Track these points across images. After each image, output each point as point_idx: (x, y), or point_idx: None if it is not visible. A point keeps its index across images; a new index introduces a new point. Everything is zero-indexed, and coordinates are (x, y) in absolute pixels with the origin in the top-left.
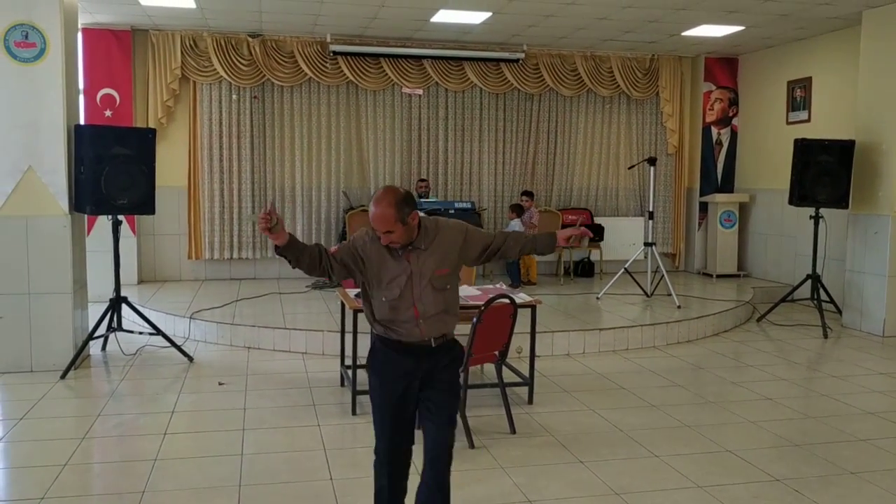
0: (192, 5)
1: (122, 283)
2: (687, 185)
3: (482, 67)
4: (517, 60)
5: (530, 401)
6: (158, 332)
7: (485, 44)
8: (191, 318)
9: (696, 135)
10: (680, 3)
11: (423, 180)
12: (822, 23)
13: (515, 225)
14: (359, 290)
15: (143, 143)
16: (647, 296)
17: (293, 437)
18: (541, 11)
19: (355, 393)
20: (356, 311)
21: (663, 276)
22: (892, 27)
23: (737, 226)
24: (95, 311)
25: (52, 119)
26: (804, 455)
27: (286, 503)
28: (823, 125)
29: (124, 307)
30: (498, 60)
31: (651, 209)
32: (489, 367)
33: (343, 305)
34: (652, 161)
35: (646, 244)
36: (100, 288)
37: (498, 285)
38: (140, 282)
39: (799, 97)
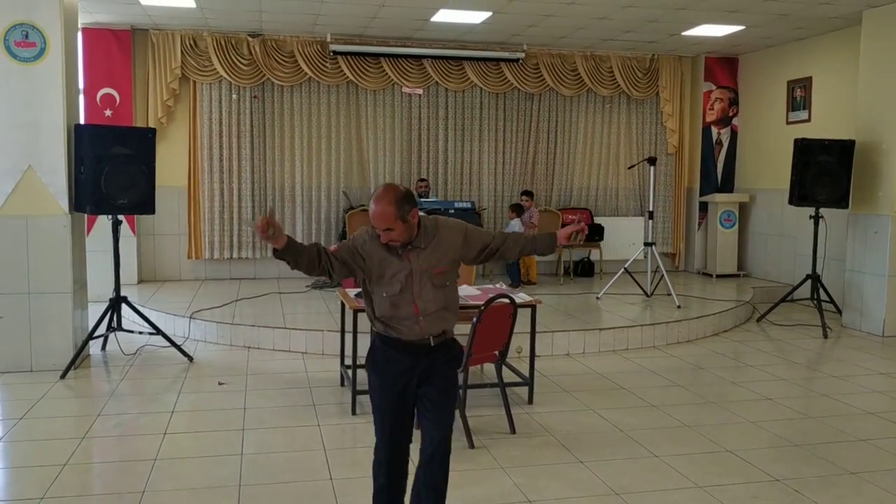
0: (193, 5)
1: (121, 282)
2: (687, 184)
3: (482, 67)
4: (517, 60)
5: (530, 401)
6: (158, 331)
7: (485, 43)
8: (191, 317)
9: (696, 135)
10: (680, 3)
11: (422, 180)
12: (823, 22)
13: (515, 225)
14: (359, 289)
15: (143, 142)
16: (647, 296)
17: (293, 436)
18: (541, 11)
19: (355, 393)
20: (356, 311)
21: (663, 275)
22: (892, 27)
23: (737, 226)
24: (95, 310)
25: (52, 119)
26: (804, 455)
27: (286, 503)
28: (823, 125)
29: (124, 307)
30: (498, 60)
31: (651, 209)
32: (489, 367)
33: (343, 305)
34: (652, 161)
35: (646, 244)
36: (100, 288)
37: (498, 285)
38: (140, 281)
39: (799, 97)
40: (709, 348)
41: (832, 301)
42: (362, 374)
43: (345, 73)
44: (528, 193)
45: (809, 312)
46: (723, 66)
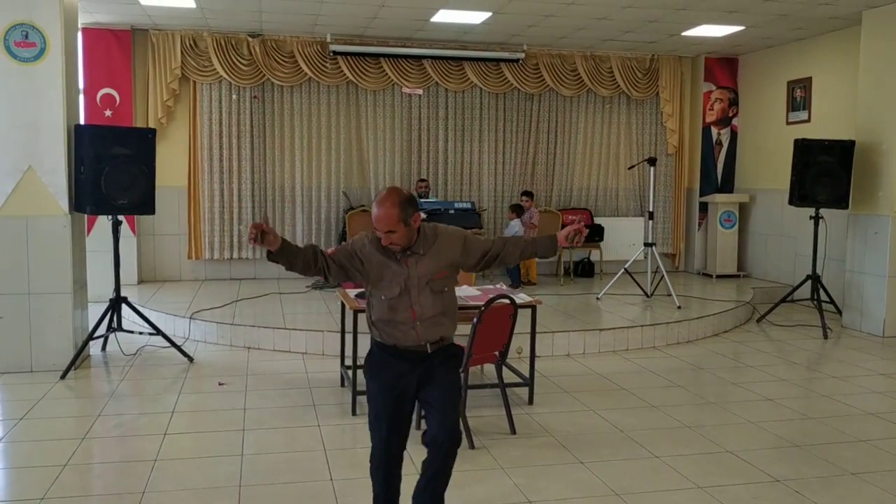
0: (192, 5)
1: (122, 283)
2: (687, 185)
3: (482, 67)
4: (517, 60)
5: (530, 401)
6: (158, 332)
7: (485, 44)
8: (191, 318)
9: (696, 135)
10: (680, 3)
11: (423, 180)
12: (822, 23)
13: (515, 225)
14: (359, 290)
15: (143, 142)
16: (647, 296)
17: (293, 437)
18: (541, 11)
19: (355, 393)
20: (356, 312)
21: (663, 276)
22: (892, 27)
23: (737, 226)
24: (95, 311)
25: (52, 119)
26: (804, 456)
27: (286, 503)
28: (823, 125)
29: (124, 307)
30: (498, 60)
31: (651, 209)
32: (489, 368)
33: (343, 306)
34: (652, 161)
35: (646, 244)
36: (100, 288)
37: (498, 285)
38: (140, 282)
39: (799, 97)
40: (709, 349)
41: (832, 301)
42: (362, 375)
43: (345, 74)
44: (528, 194)
45: (809, 313)
46: (723, 66)
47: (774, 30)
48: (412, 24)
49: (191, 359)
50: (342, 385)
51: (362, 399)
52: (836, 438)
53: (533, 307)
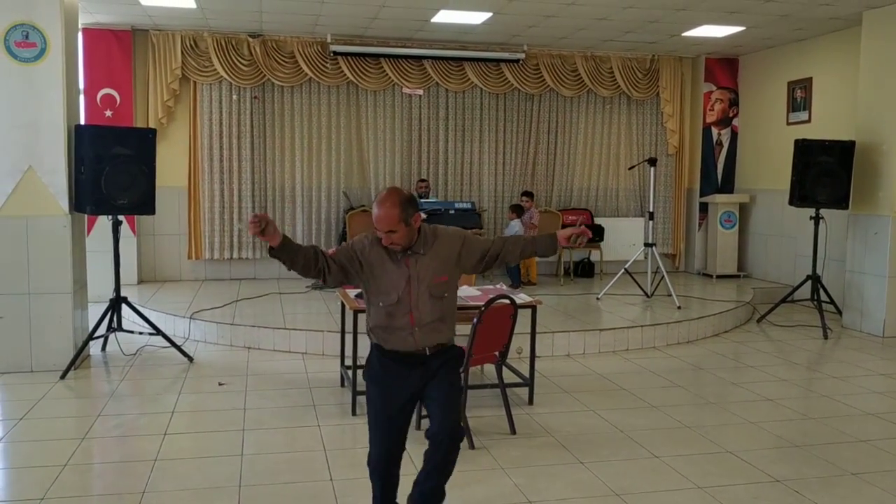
0: (193, 5)
1: (122, 283)
2: (687, 185)
3: (482, 68)
4: (517, 61)
5: (530, 401)
6: (158, 332)
7: (485, 44)
8: (191, 318)
9: (696, 135)
10: (680, 4)
11: (423, 180)
12: (823, 23)
13: (515, 225)
14: (359, 290)
15: (143, 143)
16: (648, 296)
17: (293, 437)
18: (541, 12)
19: (355, 393)
20: (356, 312)
21: (663, 276)
22: (892, 27)
23: (737, 226)
24: (95, 311)
25: (52, 119)
26: (804, 456)
27: (286, 503)
28: (824, 126)
29: (124, 307)
30: (498, 61)
31: (651, 210)
32: (489, 368)
33: (343, 306)
34: (652, 161)
35: (646, 245)
36: (100, 288)
37: (498, 286)
38: (140, 282)
39: (799, 98)
40: (709, 349)
41: (832, 302)
42: (362, 376)
43: (345, 74)
44: (528, 194)
45: (810, 313)
46: (723, 66)
47: (775, 30)
48: (412, 24)
49: (191, 359)
50: (342, 385)
51: (362, 399)
52: (836, 438)
53: (533, 307)
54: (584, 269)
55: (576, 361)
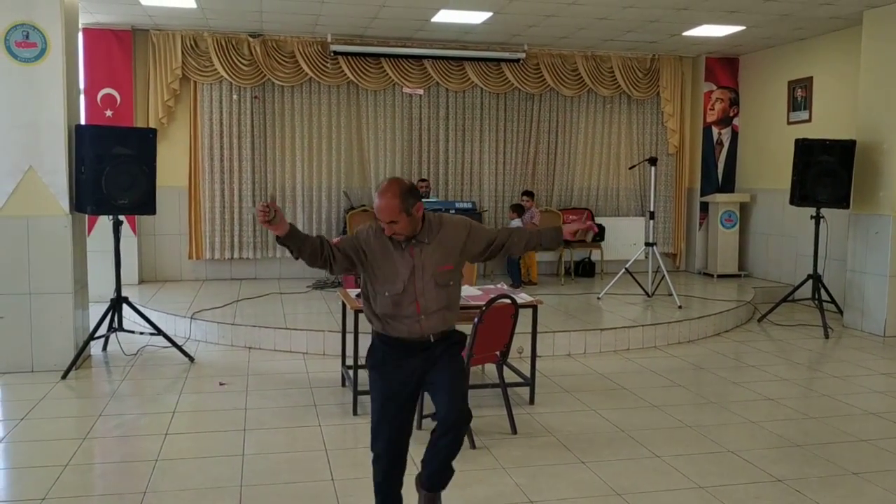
0: (193, 5)
1: (122, 283)
2: (688, 185)
3: (483, 67)
4: (518, 60)
5: (531, 401)
6: (159, 332)
7: (485, 44)
8: (191, 318)
9: (696, 135)
10: (681, 3)
11: (423, 180)
12: (823, 23)
13: (516, 225)
14: (360, 290)
15: (143, 143)
16: (648, 296)
17: (294, 437)
18: (541, 11)
19: (356, 393)
20: (357, 312)
21: (664, 276)
22: (892, 27)
23: (738, 226)
24: (96, 311)
25: (52, 119)
26: (805, 455)
27: (287, 503)
28: (824, 125)
29: (125, 307)
30: (499, 60)
31: (652, 209)
32: (490, 368)
33: (344, 306)
34: (653, 161)
35: (647, 244)
36: (100, 288)
37: (499, 285)
38: (141, 282)
39: (800, 97)
40: (710, 348)
41: (833, 301)
42: (363, 375)
43: (345, 74)
44: (528, 193)
45: (810, 313)
46: (723, 66)
47: (775, 30)
48: (413, 24)
49: (192, 359)
50: (343, 385)
51: (363, 399)
52: (837, 438)
53: (534, 307)
54: (585, 269)
55: (577, 361)
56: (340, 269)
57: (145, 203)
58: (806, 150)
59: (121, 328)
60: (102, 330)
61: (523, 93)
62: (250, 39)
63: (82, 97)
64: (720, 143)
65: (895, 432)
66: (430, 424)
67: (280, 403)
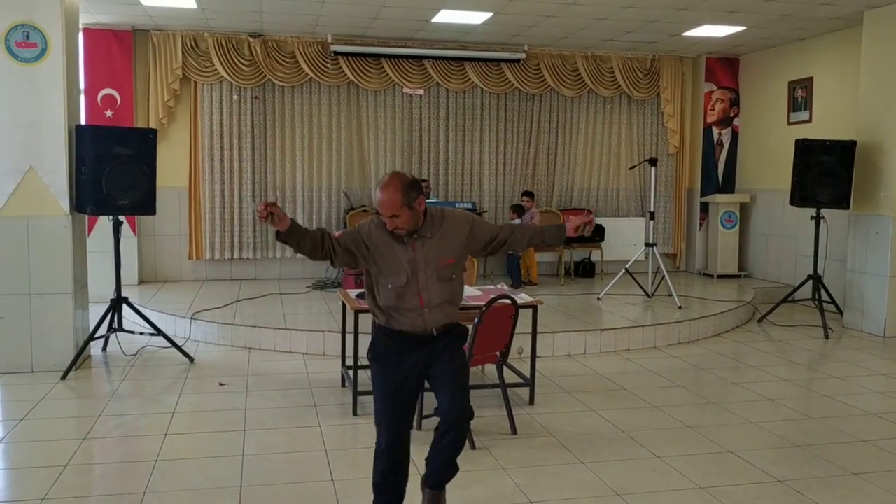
0: (193, 5)
1: (122, 283)
2: (688, 185)
3: (483, 68)
4: (518, 61)
5: (531, 401)
6: (159, 332)
7: (486, 44)
8: (191, 318)
9: (697, 135)
10: (681, 4)
11: (423, 180)
12: (823, 23)
13: None
14: (360, 290)
15: (144, 143)
16: (648, 296)
17: (294, 437)
18: (542, 12)
19: (356, 394)
20: (357, 312)
21: (664, 276)
22: (893, 27)
23: (738, 226)
24: (96, 311)
25: (53, 119)
26: (805, 456)
27: None
28: (824, 125)
29: (125, 307)
30: (499, 61)
31: (652, 209)
32: (490, 368)
33: (344, 306)
34: (653, 161)
35: (647, 244)
36: (100, 288)
37: (499, 286)
38: (141, 282)
39: (800, 97)
40: (710, 349)
41: (833, 302)
42: (363, 375)
43: (346, 74)
44: (528, 194)
45: (810, 313)
46: (724, 66)
47: (775, 30)
48: (413, 24)
49: (191, 359)
50: (343, 385)
51: (363, 399)
52: (837, 438)
53: (534, 307)
54: (585, 269)
55: (577, 361)
56: (342, 263)
57: (145, 203)
58: (806, 151)
59: (121, 328)
60: (102, 330)
61: (523, 93)
62: (250, 40)
63: (82, 97)
64: (720, 144)
65: (895, 433)
66: (429, 425)
67: (280, 404)
